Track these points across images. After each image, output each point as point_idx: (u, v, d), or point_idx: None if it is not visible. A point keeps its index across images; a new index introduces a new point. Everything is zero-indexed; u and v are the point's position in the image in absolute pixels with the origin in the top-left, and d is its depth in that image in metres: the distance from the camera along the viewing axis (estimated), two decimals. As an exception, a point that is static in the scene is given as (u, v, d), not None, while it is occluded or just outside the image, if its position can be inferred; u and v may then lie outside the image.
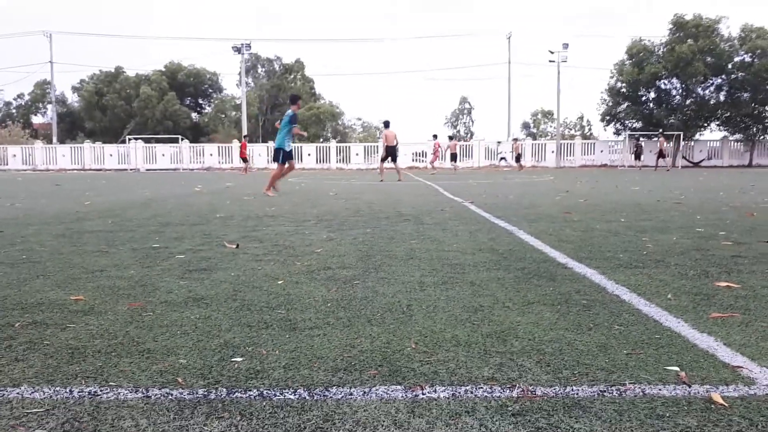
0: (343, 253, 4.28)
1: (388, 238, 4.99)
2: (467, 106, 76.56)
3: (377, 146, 40.20)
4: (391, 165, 19.27)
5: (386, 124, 19.26)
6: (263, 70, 63.13)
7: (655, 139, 33.53)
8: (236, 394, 1.77)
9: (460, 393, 1.76)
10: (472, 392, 1.76)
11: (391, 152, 18.92)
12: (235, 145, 39.00)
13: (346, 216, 6.99)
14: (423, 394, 1.76)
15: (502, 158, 36.79)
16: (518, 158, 32.33)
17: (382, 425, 1.56)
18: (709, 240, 4.72)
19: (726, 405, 1.66)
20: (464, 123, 76.73)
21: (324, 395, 1.75)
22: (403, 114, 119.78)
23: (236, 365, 2.00)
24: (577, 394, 1.75)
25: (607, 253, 4.12)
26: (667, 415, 1.60)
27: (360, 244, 4.71)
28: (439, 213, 7.28)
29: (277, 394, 1.77)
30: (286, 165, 11.50)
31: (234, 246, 4.60)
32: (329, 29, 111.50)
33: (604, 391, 1.77)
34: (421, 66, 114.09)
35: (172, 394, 1.77)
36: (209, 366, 2.00)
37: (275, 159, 11.76)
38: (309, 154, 38.49)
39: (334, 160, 38.35)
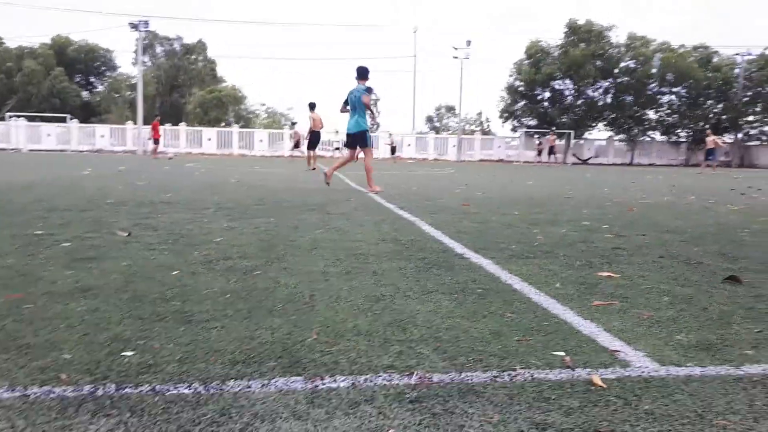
0: (244, 242, 4.18)
1: (292, 228, 4.94)
2: (373, 97, 76.99)
3: (282, 133, 39.55)
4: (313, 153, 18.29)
5: (311, 106, 17.62)
6: (162, 49, 60.08)
7: (547, 136, 35.44)
8: (126, 389, 1.68)
9: (359, 382, 1.78)
10: (371, 381, 1.79)
11: (317, 138, 17.90)
12: (130, 126, 36.93)
13: (249, 204, 6.83)
14: (323, 384, 1.76)
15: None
16: (393, 150, 33.27)
17: (281, 417, 1.54)
18: (593, 233, 5.06)
19: (604, 386, 1.79)
20: (370, 115, 77.08)
21: (221, 389, 1.71)
22: (309, 102, 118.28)
23: (126, 360, 1.91)
24: (471, 380, 1.82)
25: (501, 245, 4.30)
26: (553, 397, 1.71)
27: (262, 233, 4.63)
28: (345, 203, 7.29)
29: (171, 388, 1.70)
30: (348, 152, 10.36)
31: (126, 234, 4.36)
32: (234, 10, 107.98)
33: (497, 376, 1.85)
34: (328, 54, 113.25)
35: (54, 392, 1.65)
36: (96, 361, 1.89)
37: (363, 145, 9.79)
38: (210, 139, 37.17)
39: (237, 145, 37.29)
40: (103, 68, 56.23)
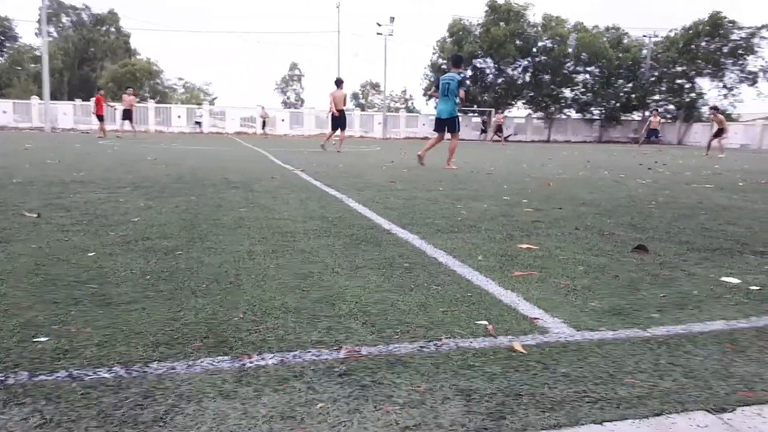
0: (164, 222, 4.04)
1: (215, 206, 4.81)
2: (297, 72, 75.73)
3: (202, 111, 38.20)
4: (337, 133, 16.49)
5: (337, 83, 15.86)
6: (69, 20, 56.28)
7: (496, 115, 35.97)
8: (40, 377, 1.60)
9: (288, 359, 1.77)
10: (300, 357, 1.79)
11: (340, 119, 15.88)
12: (35, 101, 34.51)
13: (167, 182, 6.58)
14: (251, 362, 1.74)
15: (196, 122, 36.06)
16: (264, 124, 33.18)
17: (208, 397, 1.52)
18: (513, 207, 5.24)
19: (525, 352, 1.87)
20: (294, 90, 75.90)
21: (143, 371, 1.66)
22: (229, 77, 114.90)
23: (40, 346, 1.81)
24: (399, 351, 1.85)
25: (427, 220, 4.38)
26: (477, 364, 1.77)
27: (183, 212, 4.48)
28: (269, 180, 7.17)
29: (90, 373, 1.63)
30: (437, 135, 10.56)
31: (35, 215, 4.11)
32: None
33: (423, 346, 1.90)
34: (249, 28, 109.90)
35: (-42, 384, 1.55)
36: (7, 348, 1.78)
37: (453, 130, 10.29)
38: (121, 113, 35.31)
39: (153, 122, 35.69)
40: (2, 38, 52.09)
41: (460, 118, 10.42)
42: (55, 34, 54.25)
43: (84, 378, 1.60)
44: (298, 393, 1.56)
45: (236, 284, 2.55)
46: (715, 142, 21.63)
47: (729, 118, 36.99)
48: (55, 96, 35.44)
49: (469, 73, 41.29)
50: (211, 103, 59.64)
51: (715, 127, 22.10)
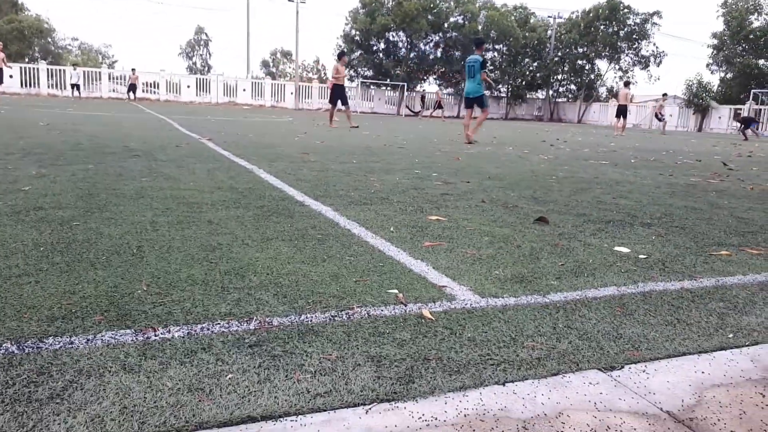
0: (59, 191, 3.78)
1: (115, 175, 4.55)
2: (204, 37, 72.44)
3: (99, 72, 35.81)
4: (342, 107, 15.26)
5: (340, 55, 15.14)
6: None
7: (435, 91, 36.07)
8: None
9: (195, 331, 1.73)
10: (208, 329, 1.75)
11: (341, 93, 14.83)
12: None
13: (63, 150, 6.15)
14: (156, 335, 1.68)
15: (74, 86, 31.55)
16: (132, 88, 30.85)
17: (110, 371, 1.45)
18: (424, 180, 5.34)
19: (433, 319, 1.93)
20: (201, 55, 72.66)
21: (38, 347, 1.56)
22: (132, 41, 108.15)
23: None
24: (311, 321, 1.86)
25: (340, 192, 4.38)
26: (388, 331, 1.81)
27: (80, 181, 4.21)
28: (174, 149, 6.87)
29: (-25, 352, 1.52)
30: (468, 112, 11.55)
31: None
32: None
33: (335, 316, 1.91)
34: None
35: None
36: None
37: (481, 105, 11.34)
38: (11, 76, 32.42)
39: (45, 85, 33.06)
40: None
41: (483, 94, 11.31)
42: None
43: (-32, 356, 1.49)
44: (207, 365, 1.52)
45: (139, 256, 2.44)
46: (618, 122, 22.70)
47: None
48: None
49: (382, 46, 41.24)
50: (111, 66, 55.96)
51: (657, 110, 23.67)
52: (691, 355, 1.78)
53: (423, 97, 37.96)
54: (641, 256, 2.91)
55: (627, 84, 22.90)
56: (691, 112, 39.09)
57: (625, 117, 21.36)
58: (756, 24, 39.04)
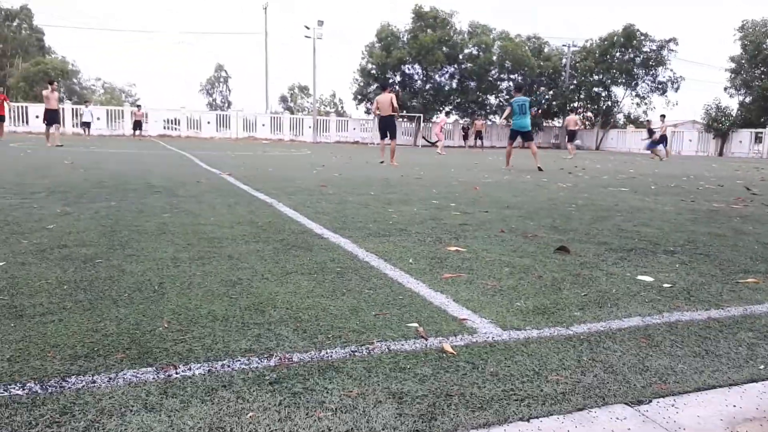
0: (83, 228, 3.84)
1: (137, 212, 4.62)
2: (223, 74, 74.07)
3: (122, 110, 36.69)
4: (387, 141, 14.09)
5: (383, 87, 14.43)
6: (-25, 14, 52.73)
7: (476, 122, 35.50)
8: (-58, 398, 1.48)
9: (216, 368, 1.73)
10: (228, 366, 1.75)
11: (386, 125, 13.83)
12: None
13: (86, 187, 6.27)
14: (176, 373, 1.68)
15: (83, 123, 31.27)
16: (137, 125, 31.16)
17: (131, 410, 1.45)
18: (442, 210, 5.33)
19: (455, 353, 1.91)
20: (221, 92, 74.20)
21: (60, 386, 1.57)
22: (153, 78, 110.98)
23: (-58, 364, 1.68)
24: (330, 356, 1.84)
25: (358, 224, 4.39)
26: (409, 366, 1.79)
27: (103, 218, 4.28)
28: (195, 185, 6.97)
29: (1, 390, 1.53)
30: (513, 143, 13.38)
31: (-64, 223, 3.81)
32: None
33: (355, 351, 1.90)
34: (174, 27, 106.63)
35: None
36: None
37: (528, 139, 13.09)
38: (37, 116, 33.31)
39: (70, 124, 33.90)
40: None
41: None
42: (-43, 29, 50.75)
43: (-7, 397, 1.50)
44: (227, 403, 1.52)
45: (160, 293, 2.46)
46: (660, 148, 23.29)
47: (641, 125, 39.20)
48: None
49: (398, 78, 41.76)
50: (134, 104, 57.40)
51: (658, 134, 23.80)
52: (722, 387, 1.73)
53: (466, 128, 37.19)
54: (665, 285, 2.85)
55: (573, 111, 25.93)
56: (711, 136, 38.75)
57: (572, 141, 23.98)
58: (774, 48, 38.86)
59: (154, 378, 1.64)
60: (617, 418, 1.52)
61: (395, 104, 13.71)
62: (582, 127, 26.70)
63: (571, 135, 24.18)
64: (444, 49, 40.01)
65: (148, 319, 2.13)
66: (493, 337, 2.07)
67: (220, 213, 4.74)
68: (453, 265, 3.15)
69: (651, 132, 24.93)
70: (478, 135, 33.95)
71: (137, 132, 31.50)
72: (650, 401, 1.62)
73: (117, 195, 5.70)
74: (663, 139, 24.50)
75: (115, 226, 3.96)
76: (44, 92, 17.48)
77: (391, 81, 41.55)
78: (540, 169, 12.53)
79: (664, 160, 23.02)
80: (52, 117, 17.58)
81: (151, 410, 1.46)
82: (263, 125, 38.39)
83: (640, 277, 2.99)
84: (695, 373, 1.82)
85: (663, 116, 26.16)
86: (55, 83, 18.53)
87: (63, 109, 33.94)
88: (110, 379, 1.63)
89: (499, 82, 44.07)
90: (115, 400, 1.50)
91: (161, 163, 11.22)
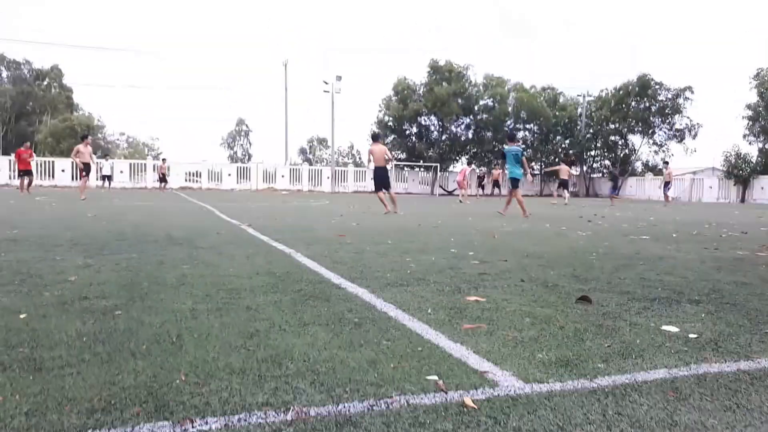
0: (103, 280, 3.88)
1: (157, 264, 4.67)
2: (244, 128, 75.79)
3: (144, 164, 37.54)
4: (382, 193, 13.95)
5: (374, 138, 14.50)
6: (8, 74, 55.08)
7: (492, 170, 35.55)
8: (-41, 453, 1.48)
9: (233, 422, 1.70)
10: (245, 420, 1.72)
11: (381, 176, 13.82)
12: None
13: (107, 239, 6.36)
14: (193, 427, 1.66)
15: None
16: (162, 179, 32.01)
17: (146, 467, 1.43)
18: (461, 259, 5.30)
19: (476, 407, 1.86)
20: (242, 145, 75.76)
21: (76, 442, 1.55)
22: (175, 132, 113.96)
23: (-40, 418, 1.67)
24: (348, 410, 1.81)
25: (376, 273, 4.37)
26: (428, 421, 1.74)
27: (123, 270, 4.32)
28: (215, 236, 7.03)
29: (16, 447, 1.52)
30: (513, 191, 13.91)
31: (-39, 275, 3.87)
32: (95, 35, 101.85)
33: (373, 404, 1.86)
34: (195, 83, 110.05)
35: None
36: None
37: (515, 186, 13.86)
38: (63, 170, 34.26)
39: (94, 177, 34.70)
40: (-67, 91, 50.34)
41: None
42: (-9, 88, 52.95)
43: (9, 452, 1.49)
44: (244, 459, 1.49)
45: (178, 345, 2.45)
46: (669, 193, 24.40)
47: (659, 173, 39.08)
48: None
49: (414, 129, 42.37)
50: (156, 158, 58.78)
51: (665, 180, 24.85)
52: (756, 444, 1.66)
53: (481, 177, 37.09)
54: (692, 336, 2.78)
55: (567, 161, 27.90)
56: (732, 183, 38.42)
57: (566, 188, 25.79)
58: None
59: (170, 432, 1.62)
60: (647, 477, 1.46)
61: (388, 155, 13.99)
62: (574, 175, 28.91)
63: (564, 183, 25.82)
64: (459, 101, 40.67)
65: (166, 371, 2.12)
66: (515, 391, 2.01)
67: (239, 264, 4.76)
68: (473, 315, 3.11)
69: (615, 178, 28.47)
70: (496, 184, 33.94)
71: (162, 184, 32.09)
72: (681, 458, 1.56)
73: (138, 247, 5.77)
74: (667, 185, 25.73)
75: (135, 278, 3.99)
76: (79, 147, 17.77)
77: (408, 132, 42.18)
78: (501, 213, 13.41)
79: (666, 205, 23.42)
80: (87, 169, 17.91)
81: (166, 466, 1.43)
82: (282, 176, 38.96)
83: (665, 328, 2.92)
84: (726, 428, 1.75)
85: (666, 163, 26.93)
86: (89, 137, 18.88)
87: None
88: (126, 433, 1.61)
89: (515, 132, 44.49)
90: (131, 456, 1.48)
91: (182, 214, 11.39)
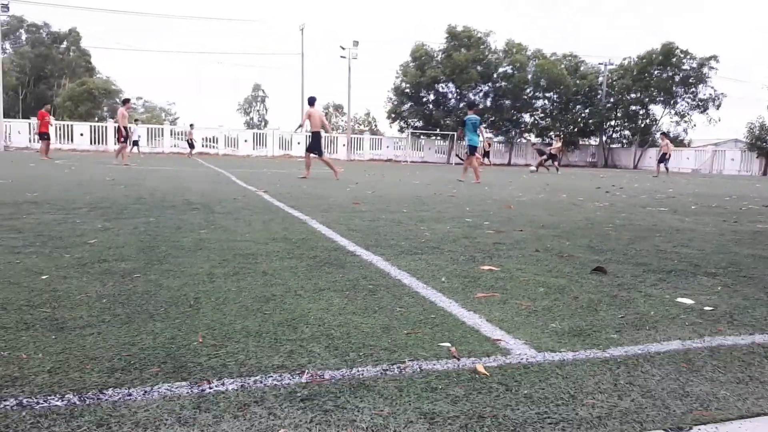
0: (122, 243, 3.94)
1: (174, 228, 4.72)
2: (261, 93, 75.55)
3: (161, 128, 37.66)
4: (311, 157, 13.97)
5: (310, 101, 13.75)
6: (28, 36, 55.14)
7: (552, 143, 33.10)
8: (-14, 407, 1.53)
9: (249, 384, 1.74)
10: (261, 382, 1.76)
11: (316, 141, 13.76)
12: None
13: (126, 203, 6.44)
14: (210, 388, 1.70)
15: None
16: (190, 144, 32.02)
17: (165, 424, 1.47)
18: (476, 229, 5.30)
19: (487, 374, 1.88)
20: (258, 111, 75.63)
21: (98, 398, 1.60)
22: (192, 97, 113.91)
23: (-14, 374, 1.73)
24: (362, 374, 1.84)
25: (391, 241, 4.39)
26: (440, 387, 1.77)
27: (141, 234, 4.38)
28: (231, 202, 7.09)
29: (41, 401, 1.57)
30: (473, 158, 14.76)
31: (-16, 237, 3.96)
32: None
33: (387, 369, 1.89)
34: (212, 48, 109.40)
35: None
36: (-51, 377, 1.70)
37: (472, 153, 14.75)
38: (82, 134, 34.48)
39: (112, 141, 34.93)
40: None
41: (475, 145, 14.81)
42: (10, 51, 53.10)
43: (34, 406, 1.54)
44: (259, 419, 1.52)
45: (196, 308, 2.49)
46: (661, 166, 23.56)
47: (681, 144, 38.40)
48: (8, 114, 34.40)
49: (431, 97, 41.87)
50: (173, 123, 58.92)
51: (661, 152, 24.01)
52: (766, 416, 1.66)
53: (541, 150, 34.08)
54: (707, 308, 2.77)
55: (558, 137, 29.51)
56: (755, 155, 37.67)
57: (555, 161, 27.24)
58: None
59: (188, 392, 1.66)
60: (656, 446, 1.48)
61: (325, 122, 13.86)
62: (564, 151, 30.09)
63: (552, 157, 27.01)
64: (478, 68, 40.00)
65: (184, 333, 2.16)
66: (527, 359, 2.03)
67: (256, 229, 4.80)
68: (486, 284, 3.12)
69: (541, 152, 28.81)
70: (553, 157, 29.27)
71: (191, 150, 31.94)
72: (691, 428, 1.57)
73: (156, 211, 5.83)
74: (664, 157, 25.01)
75: (153, 242, 4.04)
76: (123, 110, 17.84)
77: (425, 99, 41.70)
78: (460, 180, 14.08)
79: (655, 177, 23.12)
80: (127, 134, 18.04)
81: (185, 424, 1.48)
82: (299, 143, 38.90)
83: (679, 300, 2.91)
84: (739, 400, 1.75)
85: (664, 134, 26.52)
86: (131, 101, 19.04)
87: (106, 128, 35.06)
88: (146, 392, 1.65)
89: (534, 101, 43.80)
90: (150, 414, 1.53)
91: (199, 180, 11.46)
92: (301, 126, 15.22)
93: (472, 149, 14.63)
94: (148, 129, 37.33)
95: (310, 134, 14.06)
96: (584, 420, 1.59)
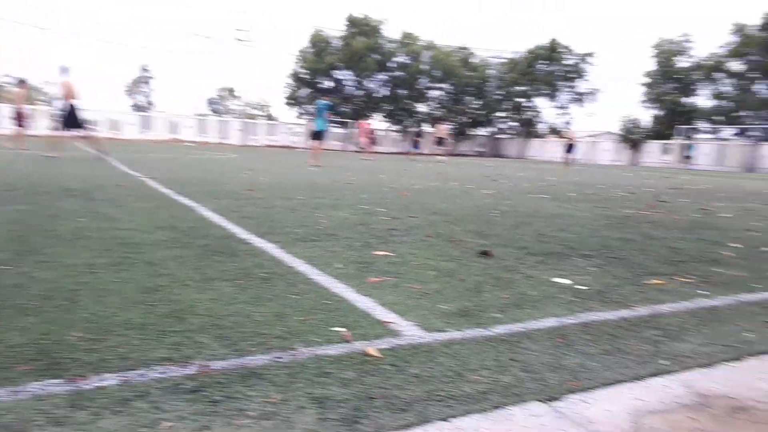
0: (-12, 234, 3.60)
1: (50, 216, 4.38)
2: (147, 74, 71.54)
3: (36, 109, 34.64)
4: (78, 132, 13.30)
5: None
6: None
7: (442, 127, 32.63)
8: None
9: (131, 378, 1.66)
10: (144, 376, 1.68)
11: (68, 115, 12.90)
12: None
13: (-7, 190, 5.88)
14: (87, 384, 1.60)
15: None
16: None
17: (37, 425, 1.37)
18: (371, 215, 5.36)
19: (379, 356, 1.92)
20: (144, 93, 71.62)
21: (-44, 402, 1.46)
22: (74, 77, 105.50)
23: None
24: (253, 363, 1.81)
25: (286, 228, 4.34)
26: (333, 371, 1.78)
27: (12, 223, 4.03)
28: (114, 188, 6.67)
29: None
30: (318, 143, 15.47)
31: None
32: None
33: (279, 357, 1.87)
34: (95, 26, 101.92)
35: None
36: None
37: (316, 138, 15.47)
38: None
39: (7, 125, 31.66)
40: None
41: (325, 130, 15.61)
42: None
43: None
44: (142, 413, 1.46)
45: (73, 300, 2.34)
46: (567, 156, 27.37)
47: (560, 135, 41.04)
48: None
49: (330, 84, 41.68)
50: (50, 104, 54.40)
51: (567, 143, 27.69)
52: (628, 383, 1.83)
53: (418, 134, 35.07)
54: (580, 287, 2.99)
55: (443, 120, 31.89)
56: (626, 146, 41.00)
57: (440, 145, 28.22)
58: (682, 65, 41.71)
59: (62, 390, 1.56)
60: (533, 415, 1.58)
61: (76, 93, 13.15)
62: (451, 135, 33.80)
63: (439, 141, 28.06)
64: (375, 56, 40.32)
65: (59, 328, 2.02)
66: (416, 340, 2.10)
67: (140, 217, 4.56)
68: (380, 269, 3.17)
69: (416, 141, 31.82)
70: (439, 141, 28.94)
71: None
72: (563, 398, 1.69)
73: (28, 198, 5.38)
74: (570, 148, 27.74)
75: (25, 232, 3.73)
76: (21, 91, 16.31)
77: (322, 86, 41.42)
78: (317, 167, 13.93)
79: (567, 167, 25.21)
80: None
81: (59, 424, 1.39)
82: (189, 127, 37.31)
83: (557, 280, 3.12)
84: (605, 370, 1.91)
85: (568, 126, 29.33)
86: (26, 82, 17.16)
87: (-31, 106, 31.64)
88: (14, 392, 1.53)
89: (428, 91, 44.85)
90: (19, 415, 1.42)
91: (78, 165, 10.68)
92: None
93: (316, 134, 15.36)
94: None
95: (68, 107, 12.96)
96: (468, 396, 1.67)
